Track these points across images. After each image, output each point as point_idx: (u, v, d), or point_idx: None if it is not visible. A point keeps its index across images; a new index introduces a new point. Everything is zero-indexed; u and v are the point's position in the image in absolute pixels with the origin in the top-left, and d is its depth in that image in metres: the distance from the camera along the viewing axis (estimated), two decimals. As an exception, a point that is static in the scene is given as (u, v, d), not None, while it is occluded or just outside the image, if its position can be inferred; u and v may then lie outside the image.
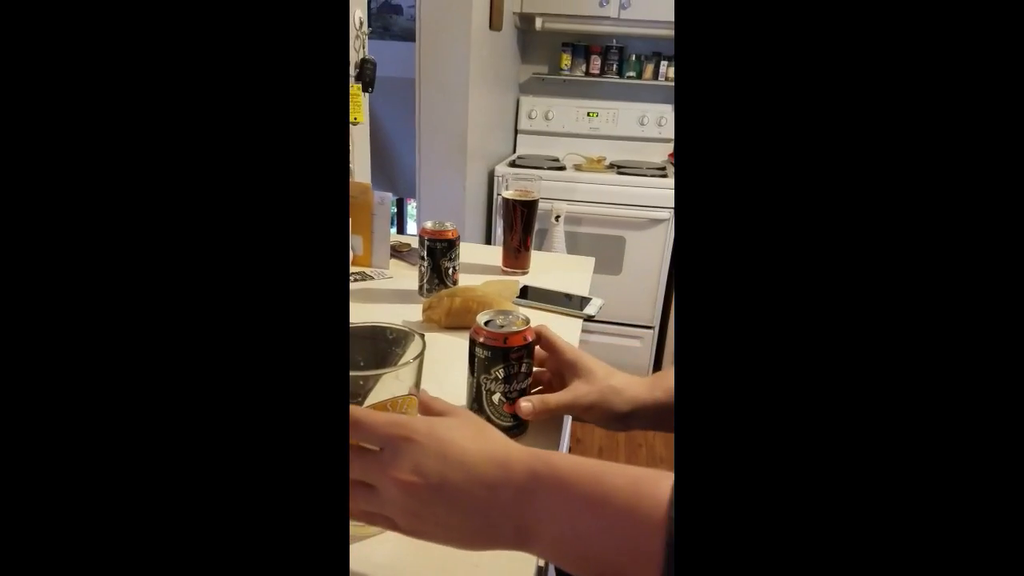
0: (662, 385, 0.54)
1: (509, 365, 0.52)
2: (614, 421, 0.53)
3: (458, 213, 1.93)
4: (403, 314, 0.82)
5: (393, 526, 0.35)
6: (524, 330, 0.52)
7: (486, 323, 0.53)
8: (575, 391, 0.53)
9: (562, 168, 2.20)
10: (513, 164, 2.22)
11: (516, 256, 0.99)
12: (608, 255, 2.12)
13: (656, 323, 2.22)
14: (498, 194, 2.15)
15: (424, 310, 0.78)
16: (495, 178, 2.16)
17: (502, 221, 1.01)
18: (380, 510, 0.35)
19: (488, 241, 2.25)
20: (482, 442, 0.35)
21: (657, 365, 2.29)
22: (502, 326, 0.53)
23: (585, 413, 0.53)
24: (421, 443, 0.34)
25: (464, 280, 0.91)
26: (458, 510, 0.33)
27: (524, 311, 0.55)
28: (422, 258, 0.86)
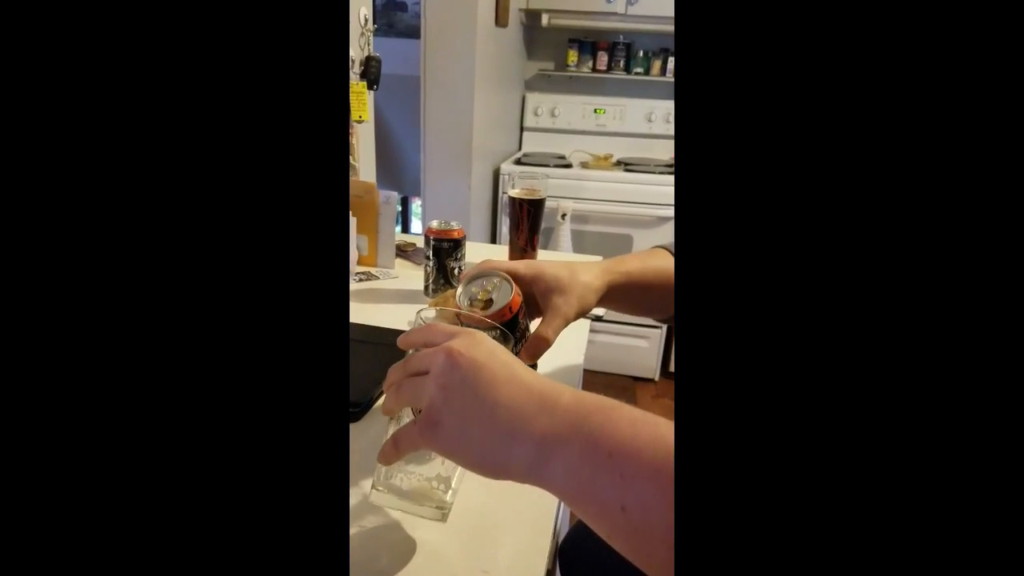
0: (616, 269, 0.59)
1: (519, 326, 0.51)
2: (587, 312, 0.57)
3: (463, 212, 1.92)
4: (409, 315, 0.81)
5: (418, 434, 0.35)
6: (514, 295, 0.50)
7: (471, 302, 0.50)
8: (559, 309, 0.53)
9: (568, 166, 2.19)
10: (519, 162, 2.21)
11: (522, 255, 0.98)
12: (615, 253, 2.09)
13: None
14: (504, 193, 2.13)
15: (429, 311, 0.77)
16: (501, 176, 2.15)
17: (508, 220, 1.00)
18: (417, 393, 0.36)
19: (494, 240, 2.24)
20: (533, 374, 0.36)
21: (664, 365, 2.27)
22: (492, 300, 0.50)
23: (572, 320, 0.55)
24: (481, 339, 0.37)
25: (470, 280, 0.89)
26: (487, 401, 0.34)
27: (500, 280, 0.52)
28: (428, 258, 0.85)
